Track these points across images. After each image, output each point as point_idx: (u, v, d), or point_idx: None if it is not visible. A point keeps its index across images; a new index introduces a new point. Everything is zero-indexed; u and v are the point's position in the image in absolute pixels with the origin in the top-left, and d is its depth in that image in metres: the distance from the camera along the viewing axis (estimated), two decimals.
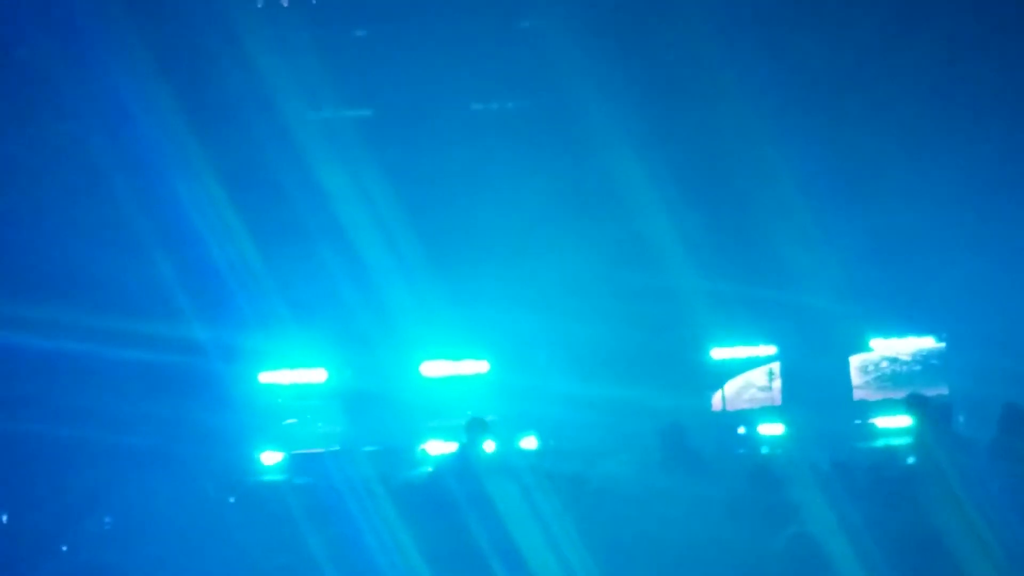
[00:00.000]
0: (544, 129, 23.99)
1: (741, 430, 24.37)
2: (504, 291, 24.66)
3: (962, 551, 10.61)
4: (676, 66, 23.55)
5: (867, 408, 25.79)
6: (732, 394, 26.56)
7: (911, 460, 14.85)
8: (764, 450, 21.84)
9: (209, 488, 16.48)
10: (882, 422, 24.52)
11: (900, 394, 25.31)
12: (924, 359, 26.72)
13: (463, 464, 14.97)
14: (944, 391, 25.98)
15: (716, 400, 26.32)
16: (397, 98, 24.41)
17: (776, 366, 26.59)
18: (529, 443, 23.28)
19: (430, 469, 19.81)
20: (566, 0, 23.95)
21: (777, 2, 23.60)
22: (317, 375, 25.25)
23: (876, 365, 27.04)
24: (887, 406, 25.04)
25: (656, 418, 23.50)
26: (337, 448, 23.76)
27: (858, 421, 25.23)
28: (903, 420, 17.08)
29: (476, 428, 15.21)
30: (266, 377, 24.87)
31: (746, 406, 26.39)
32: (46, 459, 19.92)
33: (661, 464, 14.59)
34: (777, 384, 26.52)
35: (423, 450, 23.93)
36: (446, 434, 23.72)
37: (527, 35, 24.83)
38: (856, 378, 26.86)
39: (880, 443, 22.14)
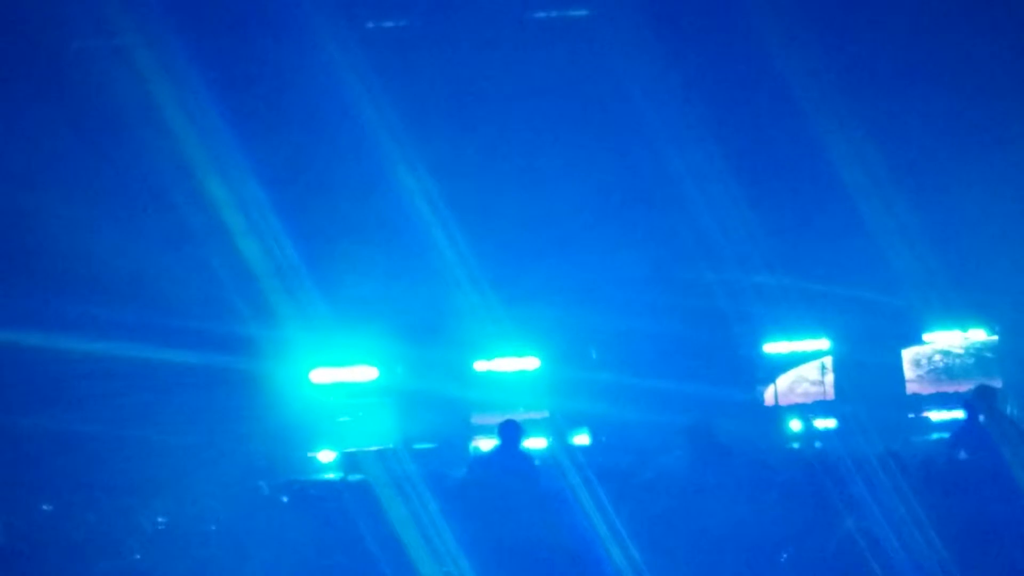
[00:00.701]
0: (596, 120, 23.87)
1: (795, 424, 24.28)
2: (555, 286, 24.64)
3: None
4: (731, 55, 23.37)
5: (920, 402, 25.68)
6: (785, 389, 26.45)
7: (962, 455, 14.80)
8: (817, 444, 21.76)
9: (262, 487, 16.51)
10: (935, 415, 24.45)
11: (953, 387, 25.36)
12: (977, 352, 26.54)
13: (488, 465, 15.00)
14: (997, 383, 25.86)
15: (769, 395, 26.21)
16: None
17: (828, 360, 26.48)
18: (582, 439, 23.29)
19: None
20: None
21: None
22: (369, 373, 25.30)
23: (929, 359, 26.87)
24: (940, 400, 24.96)
25: (708, 413, 23.66)
26: (390, 446, 23.79)
27: (911, 415, 25.13)
28: (956, 413, 16.98)
29: (509, 430, 15.13)
30: (318, 376, 24.93)
31: (799, 400, 26.28)
32: (100, 458, 20.06)
33: (690, 463, 14.50)
34: (830, 379, 26.41)
35: (476, 447, 23.94)
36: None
37: None
38: (909, 372, 26.70)
39: (934, 436, 22.07)
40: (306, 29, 21.38)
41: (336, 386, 25.25)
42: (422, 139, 22.78)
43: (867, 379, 25.53)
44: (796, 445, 22.55)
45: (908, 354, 26.69)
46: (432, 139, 22.93)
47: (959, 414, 17.42)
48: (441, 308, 24.30)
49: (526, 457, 15.13)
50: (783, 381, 26.48)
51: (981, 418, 15.12)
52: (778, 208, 24.39)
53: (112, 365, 22.04)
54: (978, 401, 15.39)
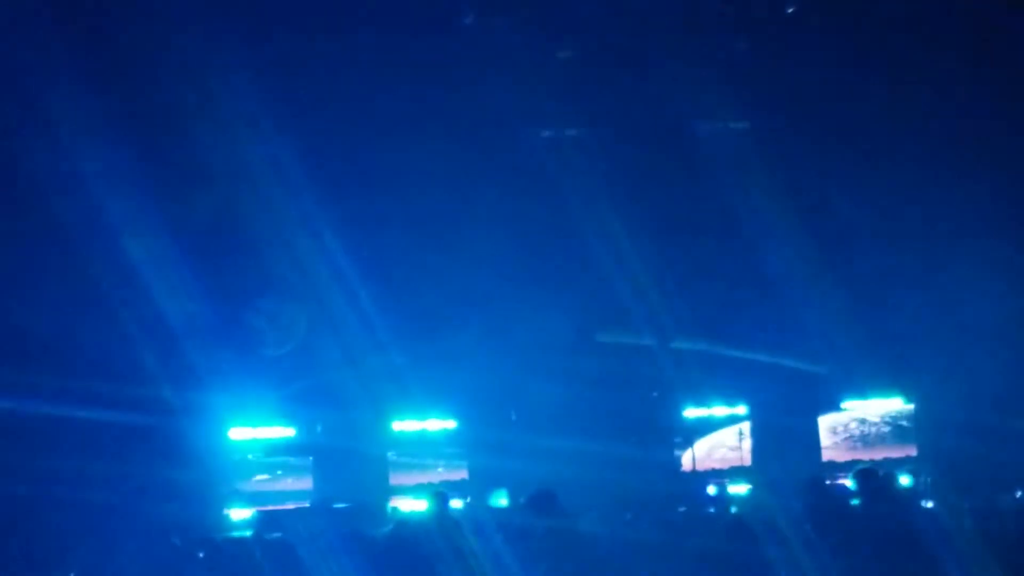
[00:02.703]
0: (517, 184, 23.86)
1: (711, 489, 24.37)
2: (476, 348, 24.64)
3: None
4: (639, 122, 23.42)
5: (835, 468, 25.83)
6: (703, 453, 26.57)
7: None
8: (733, 509, 21.82)
9: (178, 543, 16.38)
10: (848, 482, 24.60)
11: (869, 455, 25.63)
12: (893, 420, 26.79)
13: (430, 525, 15.07)
14: (912, 451, 26.15)
15: (687, 459, 26.31)
16: None
17: (746, 426, 26.64)
18: (500, 500, 23.22)
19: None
20: None
21: None
22: (286, 431, 25.15)
23: (845, 426, 27.09)
24: (855, 467, 25.13)
25: (628, 475, 23.72)
26: (307, 505, 23.65)
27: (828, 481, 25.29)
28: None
29: (439, 499, 15.38)
30: (236, 434, 24.74)
31: (716, 466, 26.42)
32: (12, 517, 19.76)
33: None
34: (747, 444, 26.55)
35: (394, 507, 23.83)
36: (416, 492, 23.69)
37: None
38: (825, 439, 26.89)
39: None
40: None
41: (253, 444, 25.07)
42: (338, 199, 22.70)
43: (784, 445, 25.70)
44: (712, 509, 22.57)
45: (825, 421, 26.89)
46: (349, 199, 22.88)
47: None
48: (359, 368, 24.19)
49: (455, 521, 15.20)
50: (701, 446, 26.61)
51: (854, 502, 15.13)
52: (698, 277, 24.53)
53: (22, 424, 21.76)
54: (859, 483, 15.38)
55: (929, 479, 23.12)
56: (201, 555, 15.88)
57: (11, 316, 21.65)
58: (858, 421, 26.94)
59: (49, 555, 16.12)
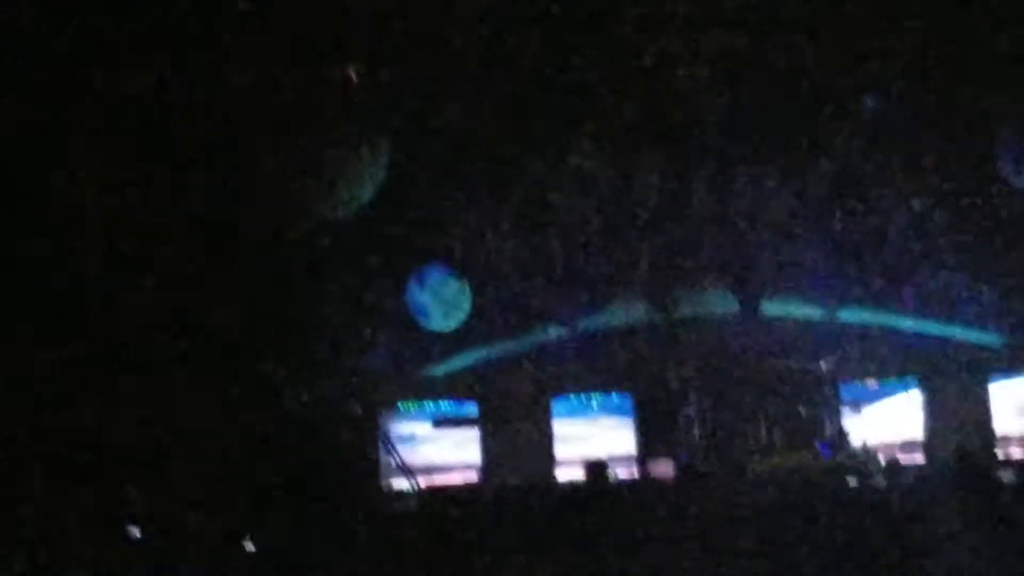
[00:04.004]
0: None
1: (881, 461, 23.98)
2: None
3: None
4: None
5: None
6: (872, 426, 26.17)
7: None
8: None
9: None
10: None
11: None
12: None
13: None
14: None
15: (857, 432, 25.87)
16: None
17: (917, 396, 26.26)
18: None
19: None
20: None
21: None
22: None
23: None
24: None
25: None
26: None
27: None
28: None
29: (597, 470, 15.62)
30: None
31: (886, 438, 25.98)
32: None
33: None
34: (916, 416, 26.22)
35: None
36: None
37: None
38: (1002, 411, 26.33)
39: None
40: None
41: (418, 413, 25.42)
42: None
43: (954, 418, 25.48)
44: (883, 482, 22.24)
45: (1000, 391, 26.32)
46: None
47: None
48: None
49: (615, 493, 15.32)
50: (871, 418, 26.29)
51: None
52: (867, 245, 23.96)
53: None
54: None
55: None
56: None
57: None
58: None
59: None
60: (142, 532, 14.76)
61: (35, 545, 13.10)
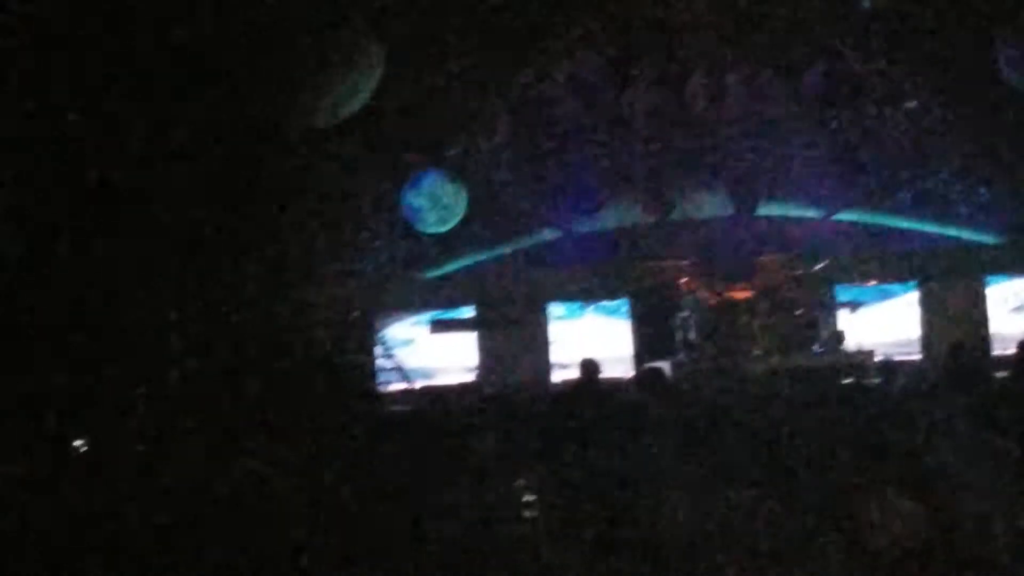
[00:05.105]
0: None
1: (877, 359, 24.05)
2: None
3: None
4: None
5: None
6: (867, 325, 26.25)
7: None
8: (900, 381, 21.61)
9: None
10: None
11: None
12: None
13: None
14: None
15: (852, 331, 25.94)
16: None
17: (914, 297, 26.33)
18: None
19: None
20: None
21: None
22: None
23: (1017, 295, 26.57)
24: None
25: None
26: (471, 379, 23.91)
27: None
28: None
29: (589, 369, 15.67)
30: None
31: (882, 338, 26.07)
32: None
33: None
34: (914, 315, 26.31)
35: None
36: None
37: None
38: (996, 309, 26.44)
39: None
40: None
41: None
42: None
43: (950, 315, 25.59)
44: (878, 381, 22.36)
45: (996, 291, 26.42)
46: None
47: None
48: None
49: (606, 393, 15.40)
50: (867, 317, 26.37)
51: None
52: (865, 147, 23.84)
53: None
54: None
55: None
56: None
57: None
58: None
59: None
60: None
61: None
